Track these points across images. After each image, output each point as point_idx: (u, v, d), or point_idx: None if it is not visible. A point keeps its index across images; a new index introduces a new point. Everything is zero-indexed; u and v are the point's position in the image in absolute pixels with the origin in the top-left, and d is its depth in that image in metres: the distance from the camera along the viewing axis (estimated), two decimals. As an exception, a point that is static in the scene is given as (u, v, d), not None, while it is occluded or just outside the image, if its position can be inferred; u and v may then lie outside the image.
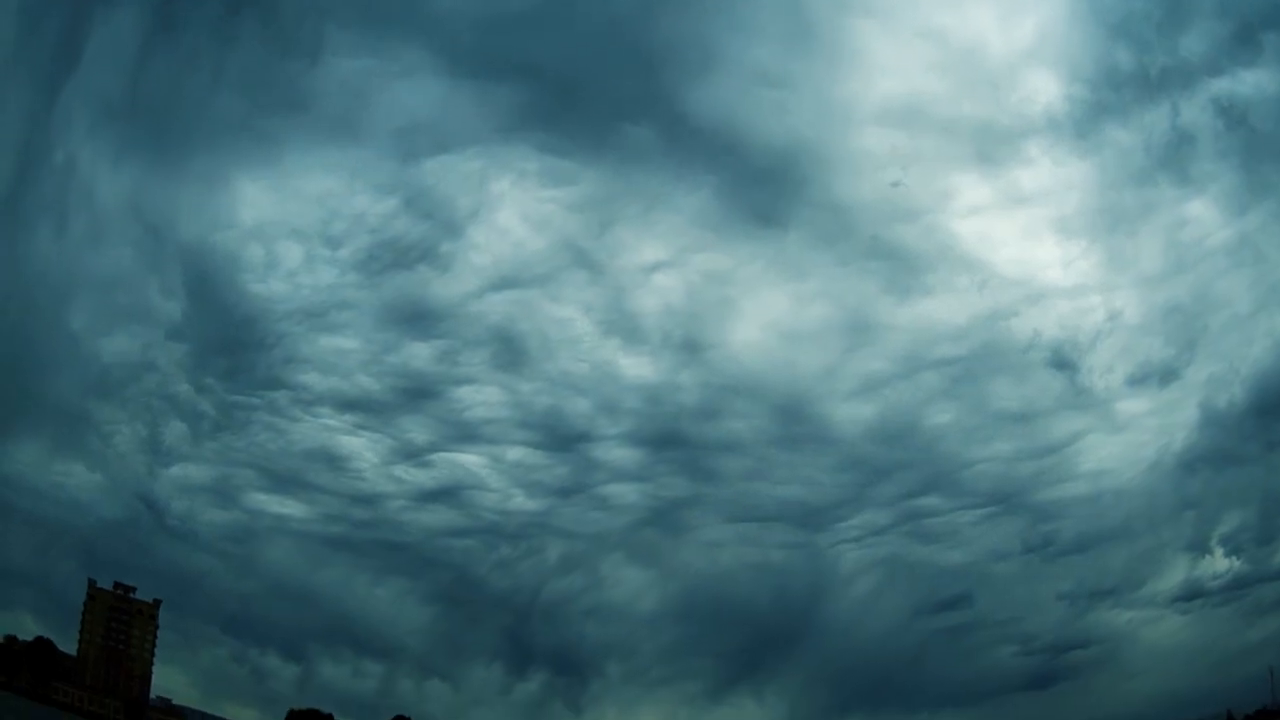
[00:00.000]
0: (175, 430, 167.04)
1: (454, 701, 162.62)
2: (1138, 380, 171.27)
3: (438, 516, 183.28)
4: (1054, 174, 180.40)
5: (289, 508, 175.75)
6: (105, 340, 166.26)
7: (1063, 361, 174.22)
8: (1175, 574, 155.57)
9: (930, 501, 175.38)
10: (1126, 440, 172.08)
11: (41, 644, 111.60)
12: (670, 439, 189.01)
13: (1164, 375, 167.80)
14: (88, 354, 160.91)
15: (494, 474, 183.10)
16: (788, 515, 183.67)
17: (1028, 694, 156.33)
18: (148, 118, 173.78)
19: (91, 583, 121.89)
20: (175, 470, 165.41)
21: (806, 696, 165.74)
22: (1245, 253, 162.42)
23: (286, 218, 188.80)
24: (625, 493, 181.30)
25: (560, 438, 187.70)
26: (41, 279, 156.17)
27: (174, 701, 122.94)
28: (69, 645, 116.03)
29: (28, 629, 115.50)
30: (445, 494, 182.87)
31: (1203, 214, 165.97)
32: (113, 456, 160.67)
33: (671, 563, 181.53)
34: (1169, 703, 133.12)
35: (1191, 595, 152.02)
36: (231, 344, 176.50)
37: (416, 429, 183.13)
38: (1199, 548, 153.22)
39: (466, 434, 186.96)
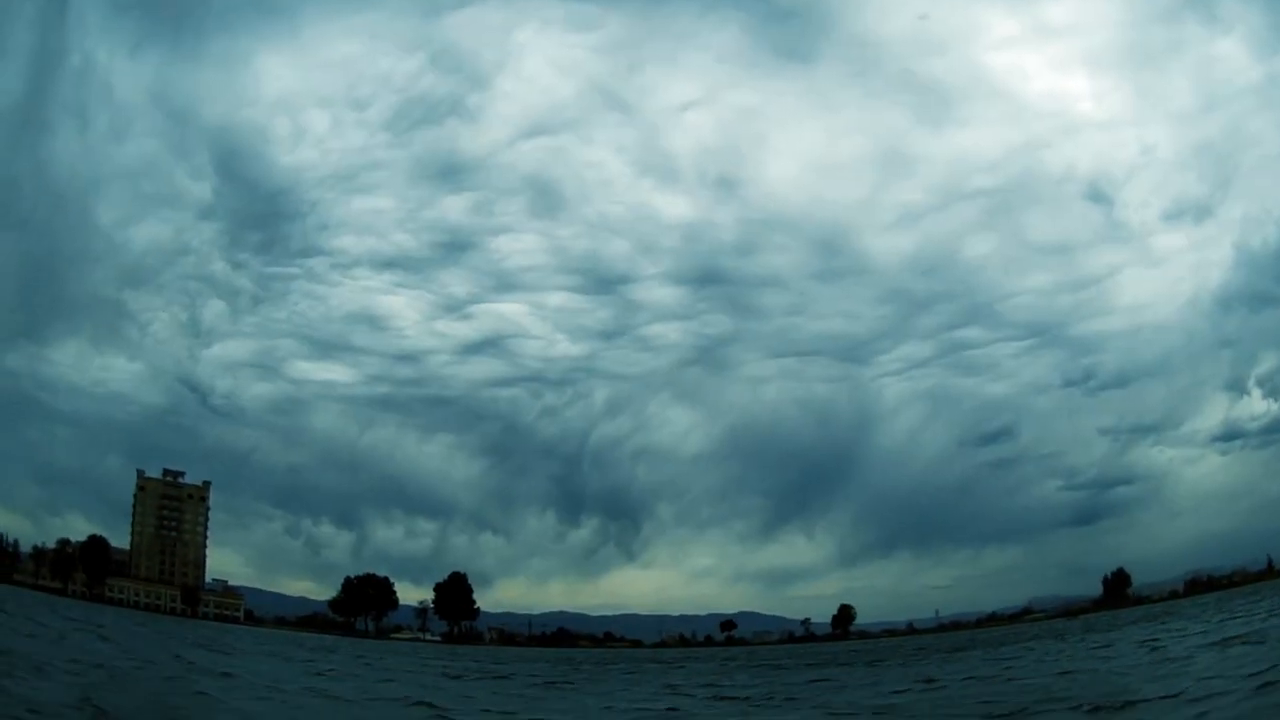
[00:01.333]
0: (214, 309, 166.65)
1: (508, 553, 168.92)
2: (1173, 216, 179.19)
3: (482, 368, 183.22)
4: (1081, 9, 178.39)
5: (333, 373, 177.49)
6: (136, 229, 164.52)
7: (1098, 194, 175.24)
8: (1214, 413, 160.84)
9: (970, 333, 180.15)
10: (1163, 275, 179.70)
11: (94, 543, 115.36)
12: (710, 276, 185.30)
13: (1198, 212, 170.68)
14: (119, 245, 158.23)
15: (536, 321, 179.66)
16: (829, 349, 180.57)
17: (1073, 529, 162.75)
18: (162, 7, 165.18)
19: (140, 473, 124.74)
20: (216, 349, 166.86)
21: (855, 533, 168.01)
22: (1275, 93, 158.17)
23: (311, 87, 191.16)
24: (667, 332, 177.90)
25: (600, 280, 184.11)
26: (68, 179, 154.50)
27: (230, 583, 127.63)
28: (122, 539, 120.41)
29: (79, 530, 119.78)
30: (488, 344, 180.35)
31: (1231, 53, 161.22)
32: (152, 344, 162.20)
33: (717, 401, 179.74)
34: (1211, 545, 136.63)
35: (1230, 435, 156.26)
36: (264, 217, 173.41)
37: (456, 282, 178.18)
38: (1237, 388, 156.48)
39: (506, 283, 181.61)
